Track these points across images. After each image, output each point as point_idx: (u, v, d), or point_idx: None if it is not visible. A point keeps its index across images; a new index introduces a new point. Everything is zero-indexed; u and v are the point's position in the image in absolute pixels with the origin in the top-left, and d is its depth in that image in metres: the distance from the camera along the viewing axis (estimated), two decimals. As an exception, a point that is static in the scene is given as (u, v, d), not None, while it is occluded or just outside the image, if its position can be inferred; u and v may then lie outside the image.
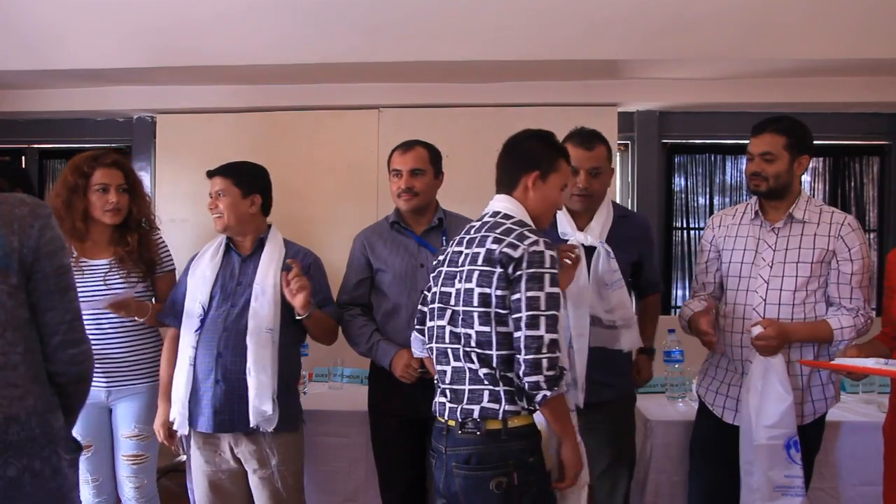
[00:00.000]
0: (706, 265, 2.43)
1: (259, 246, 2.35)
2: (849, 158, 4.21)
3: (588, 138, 2.30)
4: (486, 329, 1.73)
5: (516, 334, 1.69)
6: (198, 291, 2.31)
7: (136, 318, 2.37)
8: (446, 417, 1.80)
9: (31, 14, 3.36)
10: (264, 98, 3.94)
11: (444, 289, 1.84)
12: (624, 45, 3.38)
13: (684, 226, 4.28)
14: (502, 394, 1.73)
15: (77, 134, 4.26)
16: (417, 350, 2.09)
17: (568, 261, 2.02)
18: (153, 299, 2.49)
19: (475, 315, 1.74)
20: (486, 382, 1.74)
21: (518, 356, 1.69)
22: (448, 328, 1.80)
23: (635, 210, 4.05)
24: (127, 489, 2.44)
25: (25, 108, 4.04)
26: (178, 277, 2.49)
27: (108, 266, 2.40)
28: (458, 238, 1.89)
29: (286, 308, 2.26)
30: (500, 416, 1.72)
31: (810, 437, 2.26)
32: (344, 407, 2.70)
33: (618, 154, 4.08)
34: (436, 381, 1.89)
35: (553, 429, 1.78)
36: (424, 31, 3.35)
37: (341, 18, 3.32)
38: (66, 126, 4.25)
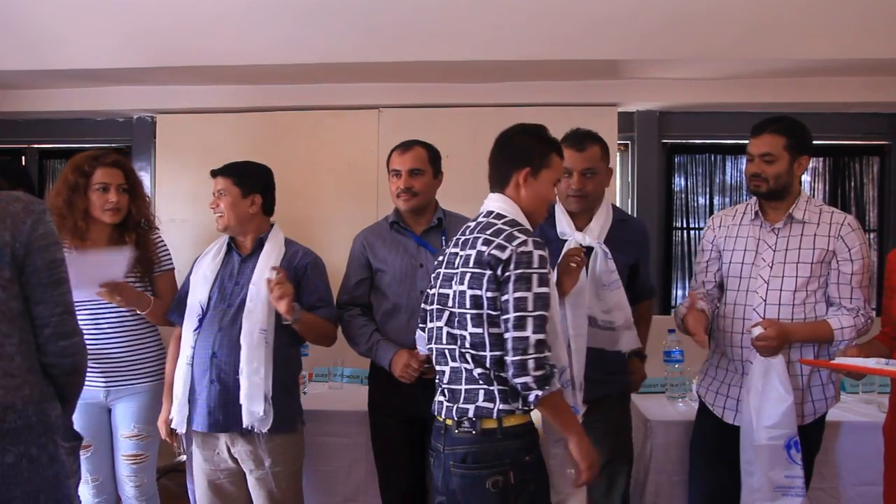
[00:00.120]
0: (706, 265, 2.43)
1: (259, 246, 2.35)
2: (849, 158, 4.21)
3: (580, 139, 2.28)
4: (479, 331, 1.73)
5: (505, 335, 1.69)
6: (198, 291, 2.32)
7: (136, 311, 2.37)
8: (444, 416, 1.81)
9: (31, 14, 3.36)
10: (264, 98, 3.94)
11: (442, 290, 1.84)
12: (624, 44, 3.38)
13: (684, 226, 4.28)
14: (497, 393, 1.73)
15: (77, 134, 4.27)
16: (422, 347, 2.09)
17: (573, 264, 2.01)
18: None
19: (468, 317, 1.74)
20: (481, 382, 1.74)
21: (506, 358, 1.69)
22: (445, 329, 1.80)
23: (636, 210, 4.07)
24: (127, 488, 2.44)
25: (25, 108, 4.05)
26: (178, 277, 2.48)
27: (106, 265, 2.40)
28: (455, 239, 1.89)
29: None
30: (495, 415, 1.72)
31: (810, 437, 2.26)
32: (344, 407, 2.70)
33: (618, 154, 4.08)
34: (436, 381, 1.89)
35: (555, 427, 1.78)
36: (424, 31, 3.35)
37: (341, 18, 3.32)
38: (66, 126, 4.25)
